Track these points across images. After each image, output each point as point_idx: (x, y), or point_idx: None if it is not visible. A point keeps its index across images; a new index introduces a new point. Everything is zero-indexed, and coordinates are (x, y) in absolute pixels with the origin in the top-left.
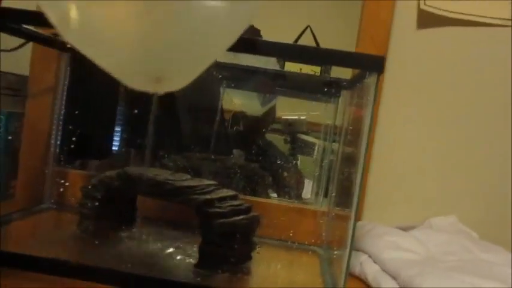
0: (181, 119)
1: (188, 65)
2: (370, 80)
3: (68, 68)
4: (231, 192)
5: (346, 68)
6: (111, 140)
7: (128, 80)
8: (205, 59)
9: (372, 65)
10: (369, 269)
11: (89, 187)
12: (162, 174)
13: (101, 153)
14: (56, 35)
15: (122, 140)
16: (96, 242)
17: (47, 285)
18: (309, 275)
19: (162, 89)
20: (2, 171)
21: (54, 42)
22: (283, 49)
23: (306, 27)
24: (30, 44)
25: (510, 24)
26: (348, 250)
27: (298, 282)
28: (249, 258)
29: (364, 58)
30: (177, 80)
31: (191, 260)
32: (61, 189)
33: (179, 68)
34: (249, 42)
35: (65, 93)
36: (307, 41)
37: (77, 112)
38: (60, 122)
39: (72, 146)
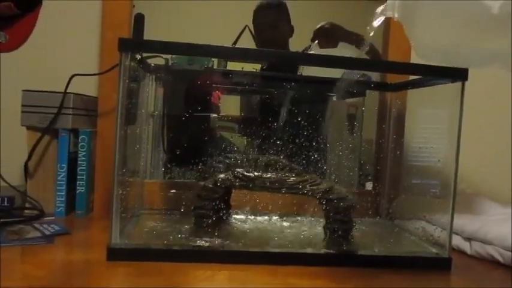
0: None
1: None
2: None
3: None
4: (331, 183)
5: (437, 77)
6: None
7: None
8: None
9: (458, 74)
10: None
11: (205, 190)
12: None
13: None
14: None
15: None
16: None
17: None
18: None
19: None
20: (89, 187)
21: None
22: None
23: (245, 27)
24: None
25: None
26: None
27: None
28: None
29: (451, 69)
30: None
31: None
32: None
33: None
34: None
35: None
36: None
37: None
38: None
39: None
